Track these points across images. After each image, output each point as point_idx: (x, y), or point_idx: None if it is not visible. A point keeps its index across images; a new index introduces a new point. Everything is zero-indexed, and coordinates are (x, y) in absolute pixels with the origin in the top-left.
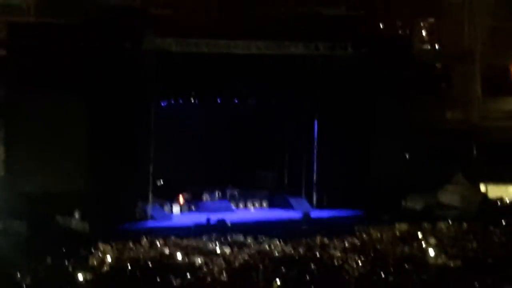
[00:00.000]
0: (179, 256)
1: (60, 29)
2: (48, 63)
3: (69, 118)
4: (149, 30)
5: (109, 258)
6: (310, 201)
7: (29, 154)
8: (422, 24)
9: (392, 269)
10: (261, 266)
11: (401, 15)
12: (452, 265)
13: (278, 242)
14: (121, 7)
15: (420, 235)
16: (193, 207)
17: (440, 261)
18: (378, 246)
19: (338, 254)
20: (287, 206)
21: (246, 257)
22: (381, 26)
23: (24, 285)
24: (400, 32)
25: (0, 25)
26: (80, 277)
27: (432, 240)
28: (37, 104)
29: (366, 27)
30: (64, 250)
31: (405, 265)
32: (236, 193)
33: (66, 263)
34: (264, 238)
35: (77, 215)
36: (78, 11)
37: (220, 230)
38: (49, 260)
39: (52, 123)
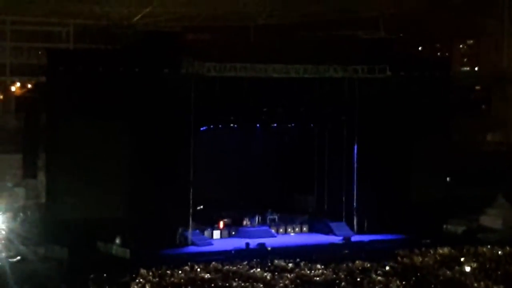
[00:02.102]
0: (219, 281)
1: (99, 55)
2: (88, 90)
3: (109, 145)
4: (188, 55)
5: (150, 284)
6: (350, 225)
7: (70, 181)
8: (461, 46)
9: None
10: None
11: (440, 38)
12: None
13: (318, 267)
14: (160, 32)
15: (462, 259)
16: (233, 232)
17: (482, 285)
18: (420, 271)
19: (379, 278)
20: (328, 230)
21: (287, 282)
22: (420, 49)
23: None
24: (438, 54)
25: (41, 52)
26: None
27: (474, 264)
28: (76, 131)
29: (405, 50)
30: (105, 276)
31: None
32: (276, 217)
33: None
34: (304, 262)
35: (118, 241)
36: (117, 37)
37: (260, 255)
38: (90, 285)
39: (92, 150)
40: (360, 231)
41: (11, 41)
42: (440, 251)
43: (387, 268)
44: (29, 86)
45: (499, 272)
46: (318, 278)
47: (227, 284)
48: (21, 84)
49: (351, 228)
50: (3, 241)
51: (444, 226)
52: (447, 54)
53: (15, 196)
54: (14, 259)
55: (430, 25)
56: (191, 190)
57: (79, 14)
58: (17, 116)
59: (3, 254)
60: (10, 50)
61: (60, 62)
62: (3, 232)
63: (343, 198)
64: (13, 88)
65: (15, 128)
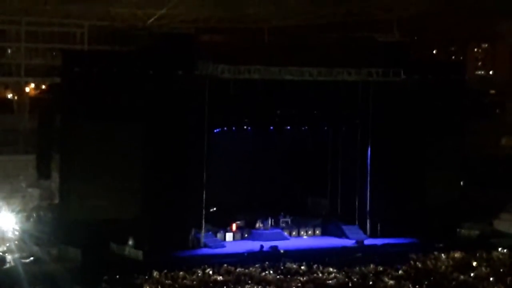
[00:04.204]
0: (231, 283)
1: (113, 56)
2: (102, 91)
3: (122, 146)
4: (202, 57)
5: (162, 286)
6: (363, 229)
7: (83, 182)
8: (476, 50)
9: None
10: None
11: (454, 41)
12: None
13: (331, 270)
14: (174, 34)
15: (475, 263)
16: (246, 235)
17: None
18: (433, 275)
19: (392, 282)
20: (341, 234)
21: (299, 285)
22: (435, 52)
23: None
24: (453, 58)
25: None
26: None
27: (488, 269)
28: (90, 132)
29: (419, 53)
30: (118, 277)
31: None
32: (289, 220)
33: None
34: (317, 265)
35: (131, 242)
36: (132, 39)
37: (273, 257)
38: (103, 286)
39: (106, 151)
40: (373, 235)
41: (26, 42)
42: (454, 255)
43: (400, 272)
44: (44, 87)
45: (511, 277)
46: (330, 282)
47: (239, 287)
48: (35, 85)
49: (364, 231)
50: (16, 242)
51: (458, 230)
52: (461, 57)
53: (28, 197)
54: (27, 260)
55: (445, 28)
56: (204, 192)
57: (94, 15)
58: (31, 117)
59: (17, 255)
60: (25, 51)
61: (74, 63)
62: (17, 233)
63: (356, 202)
64: (27, 89)
65: (29, 129)
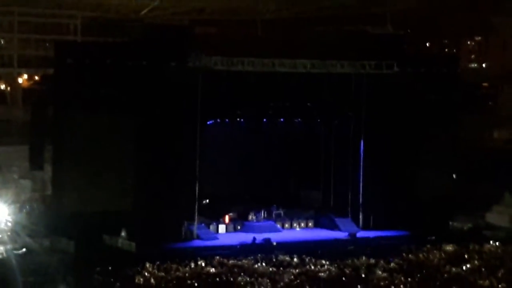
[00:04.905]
0: (224, 275)
1: (106, 47)
2: (95, 82)
3: (115, 137)
4: (195, 48)
5: (155, 278)
6: (356, 221)
7: (76, 174)
8: (469, 43)
9: None
10: (307, 286)
11: (448, 34)
12: (499, 287)
13: (323, 262)
14: (167, 25)
15: (467, 256)
16: (238, 227)
17: (487, 282)
18: (425, 267)
19: (385, 274)
20: (333, 226)
21: (292, 277)
22: (428, 45)
23: None
24: (446, 51)
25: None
26: None
27: (480, 261)
28: (83, 123)
29: (413, 46)
30: (110, 269)
31: (453, 286)
32: (281, 213)
33: (113, 282)
34: (309, 258)
35: (123, 234)
36: (125, 30)
37: (266, 249)
38: (96, 278)
39: (98, 143)
40: (365, 227)
41: (19, 33)
42: (446, 248)
43: (392, 264)
44: (36, 78)
45: (503, 270)
46: (323, 274)
47: (232, 279)
48: (28, 76)
49: (357, 224)
50: (9, 233)
51: (450, 223)
52: (454, 50)
53: (21, 188)
54: (20, 251)
55: (438, 21)
56: (197, 184)
57: (87, 6)
58: (24, 108)
59: (9, 246)
60: (18, 42)
61: (67, 54)
62: (9, 224)
63: (349, 194)
64: (20, 80)
65: (22, 120)
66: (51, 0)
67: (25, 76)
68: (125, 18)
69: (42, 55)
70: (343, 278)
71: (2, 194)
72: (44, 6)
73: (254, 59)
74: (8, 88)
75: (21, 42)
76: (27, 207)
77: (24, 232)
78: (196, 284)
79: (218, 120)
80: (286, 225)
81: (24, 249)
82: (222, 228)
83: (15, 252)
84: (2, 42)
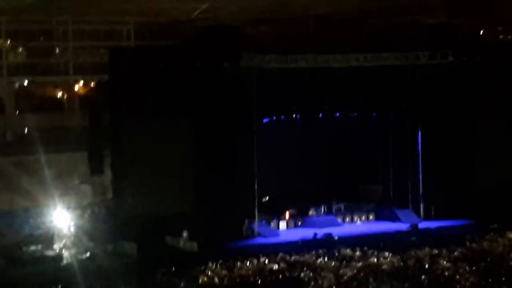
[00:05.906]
0: (287, 272)
1: (160, 51)
2: (150, 86)
3: (172, 140)
4: (248, 48)
5: (218, 276)
6: (417, 212)
7: (135, 177)
8: None
9: (504, 279)
10: (370, 279)
11: (503, 21)
12: None
13: (386, 255)
14: (219, 26)
15: None
16: (299, 223)
17: None
18: (489, 256)
19: (448, 265)
20: (394, 218)
21: (355, 271)
22: (483, 33)
23: None
24: (502, 38)
25: (103, 50)
26: None
27: None
28: (139, 128)
29: (467, 35)
30: (174, 270)
31: None
32: (342, 207)
33: (177, 282)
34: (371, 251)
35: (185, 235)
36: (177, 33)
37: (327, 244)
38: (159, 279)
39: (155, 146)
40: (427, 218)
41: (73, 41)
42: (510, 235)
43: (456, 254)
44: (92, 84)
45: None
46: (386, 266)
47: (295, 274)
48: (84, 83)
49: (418, 215)
50: (72, 238)
51: None
52: (509, 37)
53: (82, 194)
54: (83, 256)
55: (493, 9)
56: (256, 182)
57: (139, 11)
58: (81, 114)
59: (72, 252)
60: (73, 50)
61: (121, 60)
62: (72, 230)
63: (409, 186)
64: (76, 87)
65: (80, 127)
66: (103, 8)
67: (81, 83)
68: (177, 21)
69: (97, 61)
70: (406, 270)
71: (64, 200)
72: (97, 13)
73: (308, 55)
74: (65, 96)
75: (76, 50)
76: (89, 212)
77: (87, 237)
78: (259, 281)
79: (274, 117)
80: (347, 219)
81: (87, 254)
82: (282, 224)
83: (79, 257)
84: (58, 51)
